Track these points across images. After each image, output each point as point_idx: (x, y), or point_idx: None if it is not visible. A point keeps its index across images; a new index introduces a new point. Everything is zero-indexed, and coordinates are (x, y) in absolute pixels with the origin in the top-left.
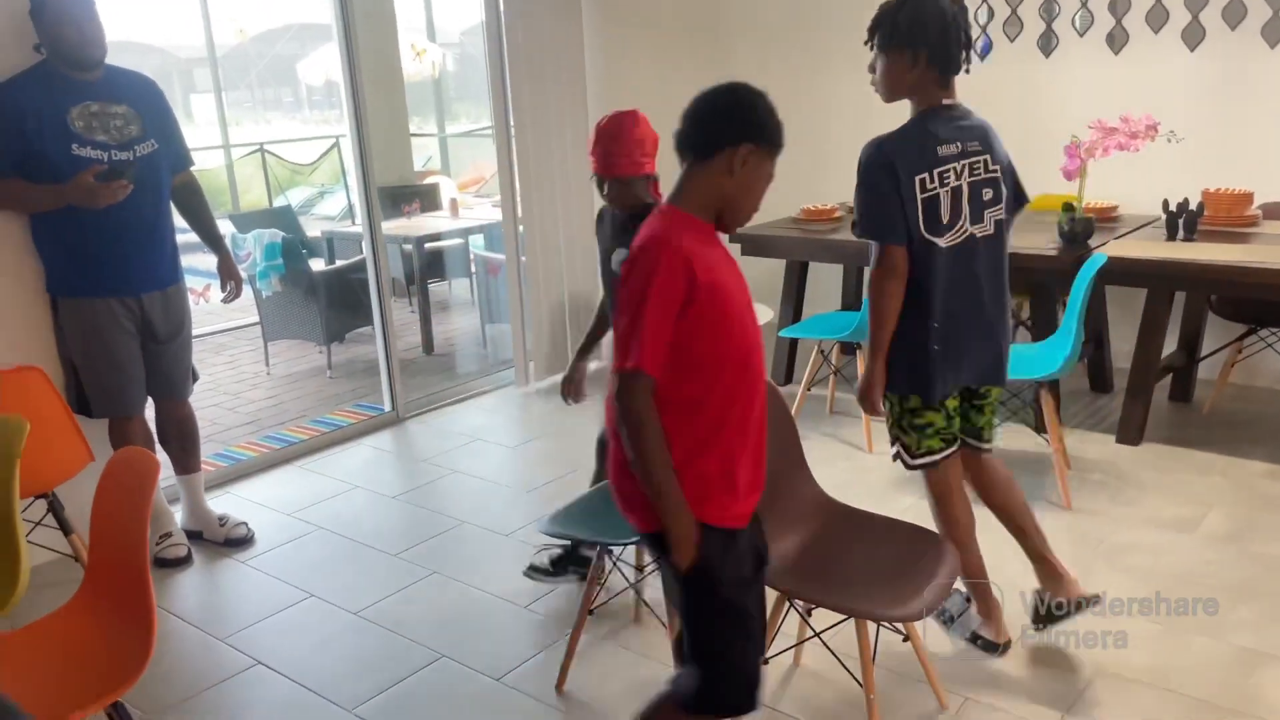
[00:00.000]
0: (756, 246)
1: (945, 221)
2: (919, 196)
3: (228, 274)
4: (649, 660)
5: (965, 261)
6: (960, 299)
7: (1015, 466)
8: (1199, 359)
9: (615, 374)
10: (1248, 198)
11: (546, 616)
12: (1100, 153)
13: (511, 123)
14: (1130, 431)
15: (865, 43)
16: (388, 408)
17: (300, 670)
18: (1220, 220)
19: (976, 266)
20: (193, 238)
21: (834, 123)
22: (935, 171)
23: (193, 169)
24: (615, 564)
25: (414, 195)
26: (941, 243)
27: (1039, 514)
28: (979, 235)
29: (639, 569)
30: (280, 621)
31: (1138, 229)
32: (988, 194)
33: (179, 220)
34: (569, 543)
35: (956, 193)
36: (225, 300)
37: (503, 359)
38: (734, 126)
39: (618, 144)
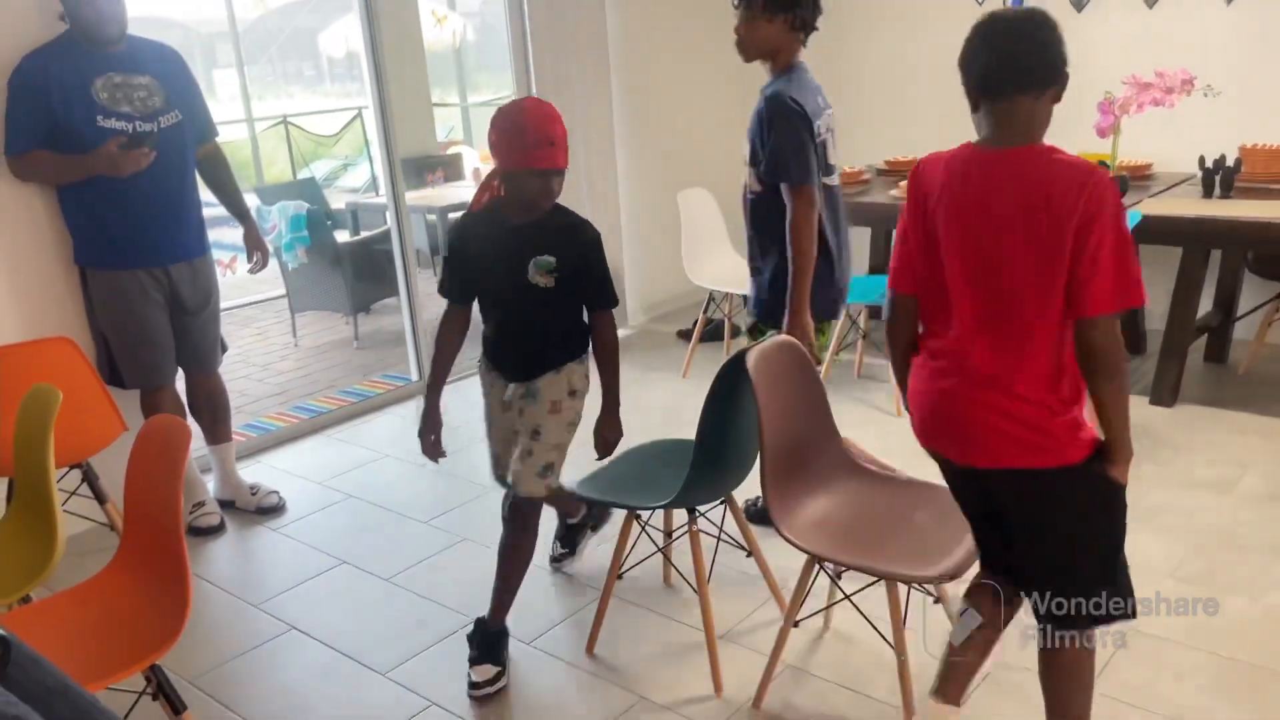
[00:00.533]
0: None
1: (830, 164)
2: (817, 142)
3: (254, 245)
4: (677, 624)
5: (836, 204)
6: (841, 237)
7: None
8: (1235, 319)
9: (1106, 318)
10: None
11: (575, 581)
12: (1135, 109)
13: (534, 92)
14: (1164, 393)
15: (735, 5)
16: (414, 377)
17: (333, 635)
18: (1258, 177)
19: (841, 209)
20: (219, 210)
21: (862, 87)
22: (823, 118)
23: (217, 140)
24: (644, 529)
25: (437, 165)
26: (830, 183)
27: None
28: (838, 183)
29: (667, 534)
30: (313, 588)
31: (1173, 186)
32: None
33: (205, 193)
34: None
35: (827, 141)
36: (252, 271)
37: None
38: (1063, 51)
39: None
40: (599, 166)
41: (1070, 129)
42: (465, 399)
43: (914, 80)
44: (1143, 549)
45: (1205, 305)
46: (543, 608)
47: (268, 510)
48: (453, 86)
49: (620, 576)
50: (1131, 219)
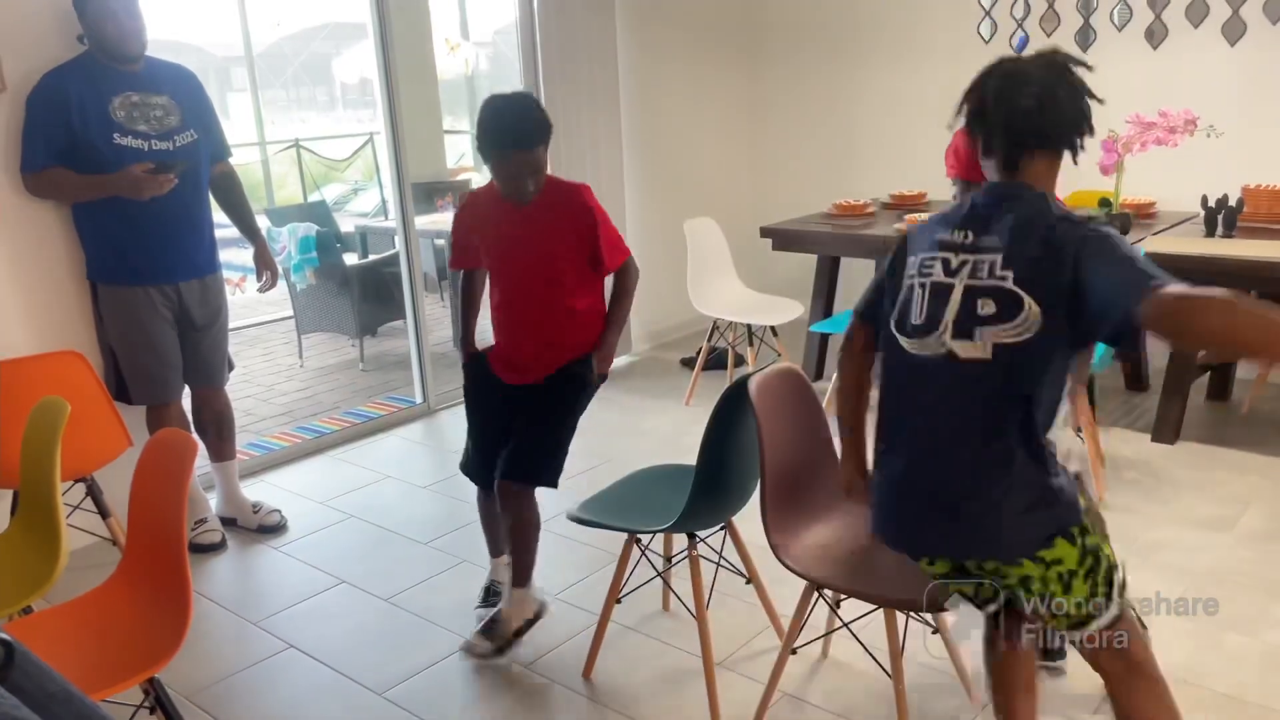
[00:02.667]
0: (787, 241)
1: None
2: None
3: (264, 264)
4: (675, 649)
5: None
6: (915, 422)
7: None
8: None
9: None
10: None
11: (574, 605)
12: (1138, 147)
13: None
14: (1166, 430)
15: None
16: (419, 399)
17: (332, 654)
18: (1261, 217)
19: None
20: (230, 230)
21: (865, 118)
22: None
23: (231, 160)
24: (644, 553)
25: (446, 190)
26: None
27: None
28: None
29: (667, 559)
30: (312, 606)
31: (1176, 225)
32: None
33: (217, 213)
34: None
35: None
36: (261, 290)
37: None
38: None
39: None
40: (608, 194)
41: (1073, 167)
42: (463, 422)
43: (920, 114)
44: (1142, 586)
45: None
46: (541, 631)
47: (269, 529)
48: (465, 114)
49: (619, 600)
50: None
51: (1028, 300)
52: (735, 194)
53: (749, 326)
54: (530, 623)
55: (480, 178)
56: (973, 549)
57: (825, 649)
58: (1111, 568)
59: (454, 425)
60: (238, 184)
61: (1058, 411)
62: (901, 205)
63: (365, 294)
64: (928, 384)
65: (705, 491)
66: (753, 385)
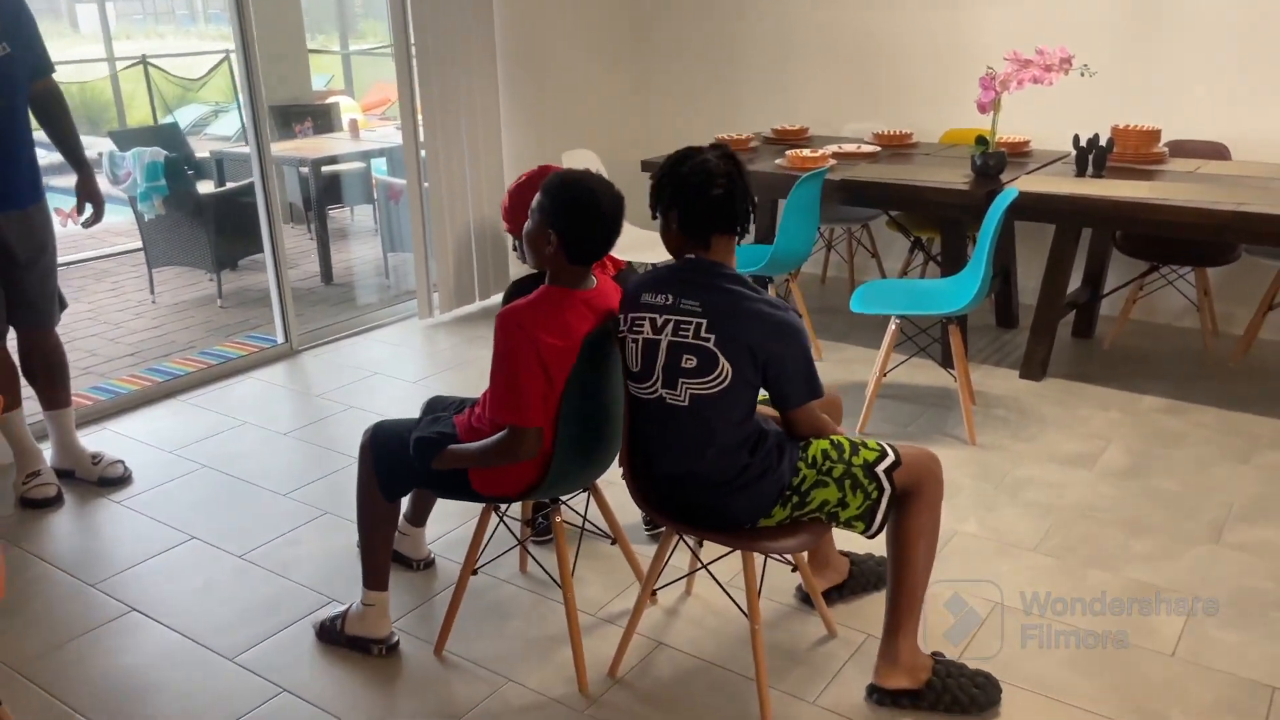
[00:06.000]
0: None
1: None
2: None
3: (87, 194)
4: (533, 620)
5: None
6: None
7: (922, 402)
8: (1102, 295)
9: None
10: (1155, 135)
11: (439, 567)
12: (1014, 85)
13: (412, 40)
14: (1034, 367)
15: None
16: (280, 340)
17: (178, 617)
18: (1129, 157)
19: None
20: (58, 156)
21: (749, 50)
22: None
23: (54, 77)
24: (502, 520)
25: (306, 114)
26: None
27: (945, 450)
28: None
29: (527, 523)
30: (158, 566)
31: (1048, 164)
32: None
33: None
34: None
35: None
36: (84, 224)
37: (406, 289)
38: None
39: None
40: (483, 124)
41: (952, 105)
42: (330, 364)
43: (805, 47)
44: (1009, 523)
45: (1075, 282)
46: (402, 594)
47: (111, 481)
48: (334, 32)
49: (475, 572)
50: (1007, 196)
51: (723, 360)
52: (618, 126)
53: (629, 264)
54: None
55: (350, 103)
56: (727, 524)
57: (689, 586)
58: (866, 464)
59: (318, 367)
60: (62, 104)
61: (752, 414)
62: (783, 140)
63: (222, 225)
64: (653, 415)
65: (570, 451)
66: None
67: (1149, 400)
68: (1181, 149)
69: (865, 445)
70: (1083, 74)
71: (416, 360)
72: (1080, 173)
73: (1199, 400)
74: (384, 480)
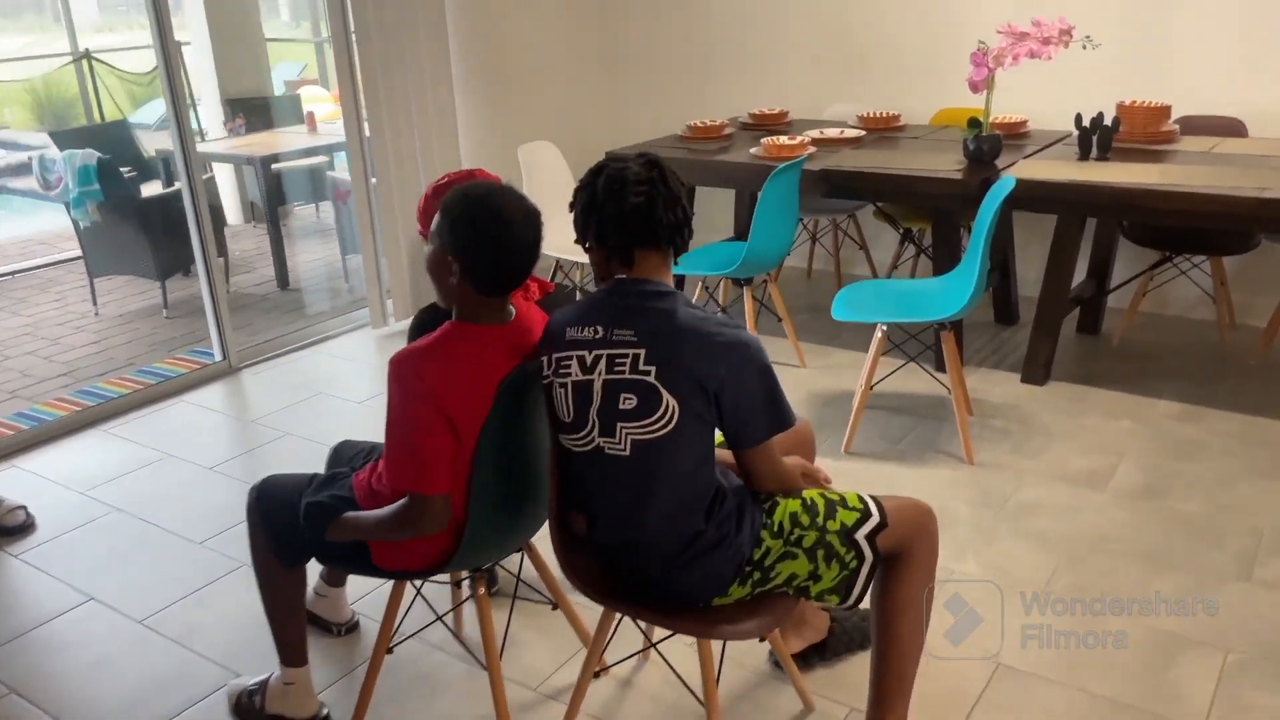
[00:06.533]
0: None
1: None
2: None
3: None
4: (464, 697)
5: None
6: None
7: (915, 413)
8: (1109, 290)
9: None
10: (1165, 111)
11: (364, 630)
12: (1009, 61)
13: (351, 25)
14: (1036, 370)
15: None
16: (218, 357)
17: (62, 700)
18: (1136, 136)
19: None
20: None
21: (715, 33)
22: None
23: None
24: (419, 593)
25: (239, 110)
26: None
27: (939, 470)
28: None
29: (457, 584)
30: (48, 635)
31: (1048, 146)
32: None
33: None
34: None
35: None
36: None
37: (364, 295)
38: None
39: None
40: (435, 114)
41: (941, 83)
42: (271, 382)
43: (781, 26)
44: (1012, 559)
45: (1079, 274)
46: (318, 665)
47: (11, 530)
48: (307, 18)
49: (391, 650)
50: (1004, 186)
51: (666, 395)
52: (585, 113)
53: (561, 285)
54: None
55: (315, 93)
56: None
57: (641, 663)
58: (844, 529)
59: (257, 387)
60: None
61: (708, 463)
62: (761, 126)
63: (167, 229)
64: (588, 470)
65: (488, 517)
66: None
67: (1163, 405)
68: (1193, 126)
69: (843, 503)
70: (1085, 46)
71: (366, 377)
72: (1084, 156)
73: (1218, 404)
74: (279, 546)
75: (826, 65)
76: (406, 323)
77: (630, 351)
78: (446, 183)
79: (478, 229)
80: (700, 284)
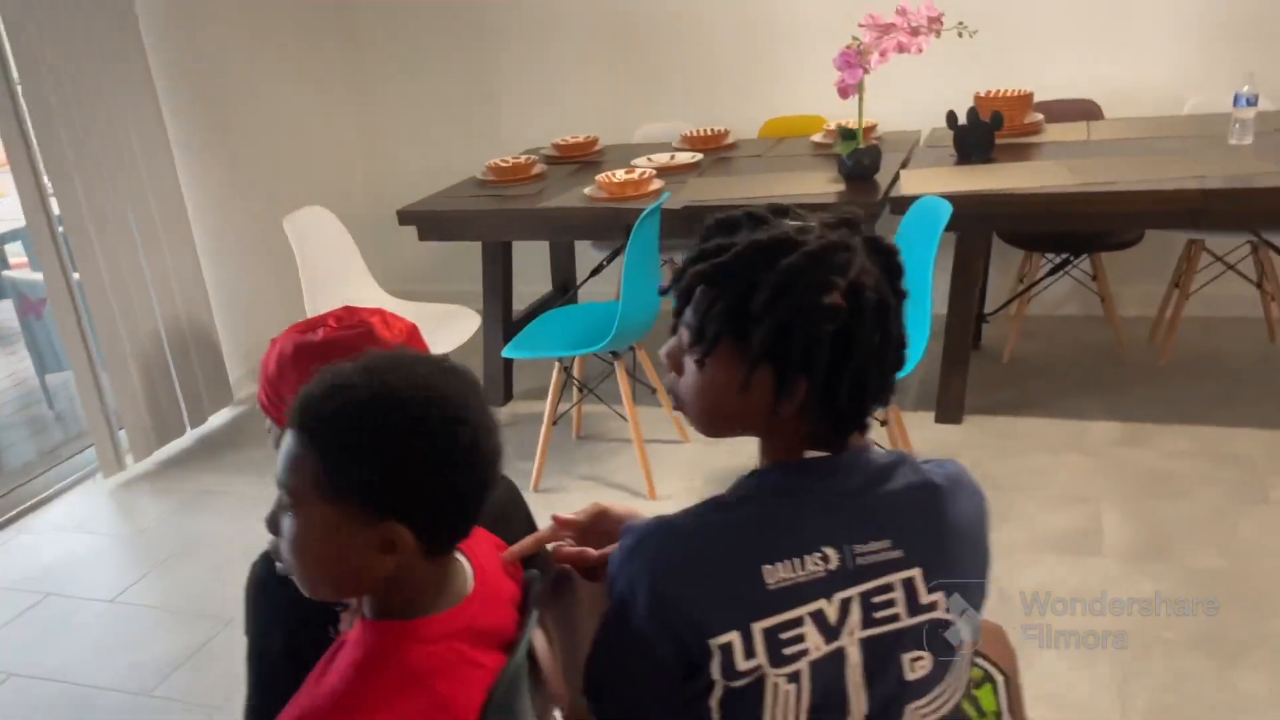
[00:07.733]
0: (439, 228)
1: None
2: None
3: None
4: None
5: None
6: None
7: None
8: (986, 314)
9: None
10: (1028, 99)
11: None
12: (877, 59)
13: (16, 78)
14: (951, 408)
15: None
16: None
17: None
18: (1004, 130)
19: None
20: None
21: (500, 52)
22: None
23: None
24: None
25: None
26: None
27: None
28: None
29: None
30: None
31: (912, 151)
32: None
33: None
34: None
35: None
36: None
37: (80, 431)
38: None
39: None
40: (151, 181)
41: (765, 90)
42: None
43: (567, 39)
44: (1066, 687)
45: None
46: None
47: None
48: None
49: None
50: (935, 210)
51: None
52: (351, 168)
53: None
54: None
55: None
56: None
57: None
58: None
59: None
60: None
61: None
62: (571, 158)
63: None
64: None
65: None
66: None
67: (1099, 428)
68: (1049, 112)
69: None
70: (961, 34)
71: (113, 554)
72: (963, 159)
73: (1155, 418)
74: None
75: (627, 80)
76: (153, 459)
77: (896, 576)
78: (321, 342)
79: (432, 464)
80: (556, 366)
